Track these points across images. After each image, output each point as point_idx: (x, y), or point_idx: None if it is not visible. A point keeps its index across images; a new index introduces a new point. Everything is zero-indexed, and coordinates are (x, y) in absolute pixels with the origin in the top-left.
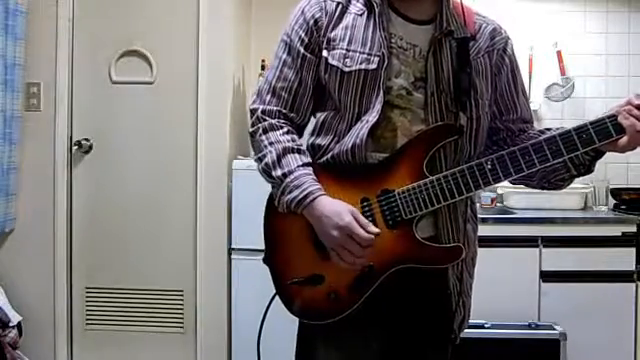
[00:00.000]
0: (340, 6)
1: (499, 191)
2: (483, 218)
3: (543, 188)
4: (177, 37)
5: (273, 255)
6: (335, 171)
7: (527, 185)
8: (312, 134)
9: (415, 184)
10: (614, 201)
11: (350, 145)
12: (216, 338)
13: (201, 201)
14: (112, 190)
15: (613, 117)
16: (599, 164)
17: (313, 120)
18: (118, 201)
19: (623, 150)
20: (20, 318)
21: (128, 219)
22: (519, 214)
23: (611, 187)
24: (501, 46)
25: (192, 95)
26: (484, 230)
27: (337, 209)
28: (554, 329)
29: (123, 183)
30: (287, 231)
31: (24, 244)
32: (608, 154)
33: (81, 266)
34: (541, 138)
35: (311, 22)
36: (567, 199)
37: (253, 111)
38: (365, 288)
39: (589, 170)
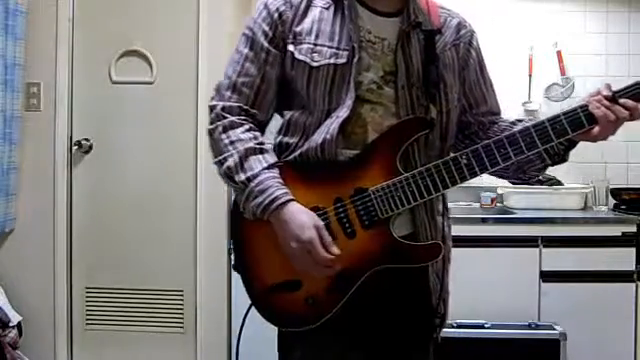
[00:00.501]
0: None
1: (499, 191)
2: (483, 218)
3: (518, 179)
4: (177, 37)
5: (244, 261)
6: (304, 170)
7: (503, 177)
8: (279, 133)
9: (390, 182)
10: (614, 201)
11: (320, 141)
12: (216, 338)
13: (201, 201)
14: (112, 190)
15: (585, 107)
16: (599, 164)
17: (279, 119)
18: (118, 201)
19: (595, 140)
20: (20, 318)
21: (128, 219)
22: (519, 214)
23: (611, 187)
24: (467, 39)
25: (192, 95)
26: (484, 230)
27: (302, 221)
28: (554, 329)
29: (123, 183)
30: (259, 235)
31: (24, 244)
32: (608, 154)
33: (81, 266)
34: (515, 130)
35: (275, 15)
36: (567, 199)
37: (212, 108)
38: (344, 291)
39: (563, 159)
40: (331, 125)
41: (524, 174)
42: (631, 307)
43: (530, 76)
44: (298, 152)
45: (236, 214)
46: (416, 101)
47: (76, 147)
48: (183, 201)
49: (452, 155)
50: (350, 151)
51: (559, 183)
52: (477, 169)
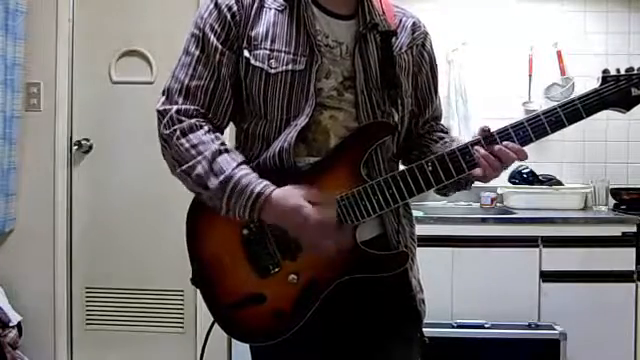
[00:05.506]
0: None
1: (499, 191)
2: (483, 218)
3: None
4: (177, 37)
5: (204, 275)
6: (267, 180)
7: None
8: (238, 147)
9: (355, 190)
10: (614, 201)
11: (277, 149)
12: (216, 338)
13: None
14: (112, 190)
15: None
16: (599, 164)
17: (230, 130)
18: (118, 201)
19: (485, 181)
20: (20, 318)
21: (128, 219)
22: (519, 214)
23: (611, 187)
24: (420, 41)
25: None
26: (484, 230)
27: (295, 202)
28: (554, 329)
29: (123, 183)
30: (217, 247)
31: (24, 244)
32: (608, 154)
33: (81, 266)
34: (478, 137)
35: (228, 15)
36: (567, 199)
37: (164, 112)
38: (311, 303)
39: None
40: (289, 133)
41: (440, 192)
42: (631, 307)
43: (530, 76)
44: (255, 162)
45: (194, 225)
46: (376, 106)
47: (76, 147)
48: (183, 201)
49: (417, 162)
50: (312, 158)
51: (559, 183)
52: (443, 176)
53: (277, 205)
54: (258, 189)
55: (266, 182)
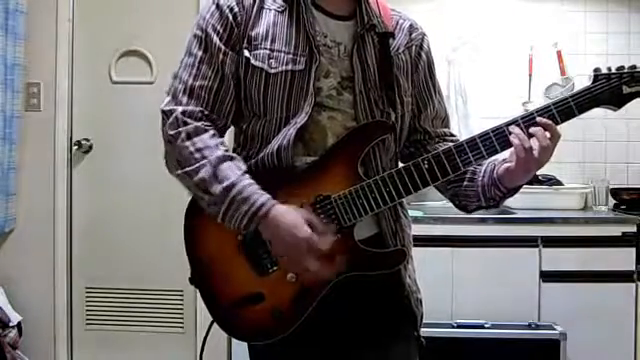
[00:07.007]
0: (257, 0)
1: None
2: (483, 218)
3: (452, 202)
4: (177, 37)
5: (202, 275)
6: (264, 178)
7: (443, 193)
8: (238, 147)
9: (352, 189)
10: (614, 201)
11: (276, 147)
12: (216, 338)
13: None
14: (112, 190)
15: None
16: (599, 164)
17: (231, 131)
18: (118, 201)
19: (526, 170)
20: (20, 318)
21: (128, 219)
22: (519, 214)
23: (611, 187)
24: (418, 42)
25: None
26: (484, 230)
27: (293, 221)
28: (554, 329)
29: (123, 183)
30: (216, 247)
31: (24, 244)
32: (608, 153)
33: (81, 266)
34: (474, 135)
35: (230, 16)
36: (567, 199)
37: (168, 113)
38: (309, 301)
39: (497, 205)
40: (288, 131)
41: (458, 201)
42: (631, 307)
43: (530, 76)
44: (254, 160)
45: (192, 225)
46: (374, 105)
47: (76, 147)
48: (182, 200)
49: (413, 161)
50: (310, 158)
51: (559, 183)
52: (439, 174)
53: (275, 220)
54: (261, 200)
55: (268, 195)
